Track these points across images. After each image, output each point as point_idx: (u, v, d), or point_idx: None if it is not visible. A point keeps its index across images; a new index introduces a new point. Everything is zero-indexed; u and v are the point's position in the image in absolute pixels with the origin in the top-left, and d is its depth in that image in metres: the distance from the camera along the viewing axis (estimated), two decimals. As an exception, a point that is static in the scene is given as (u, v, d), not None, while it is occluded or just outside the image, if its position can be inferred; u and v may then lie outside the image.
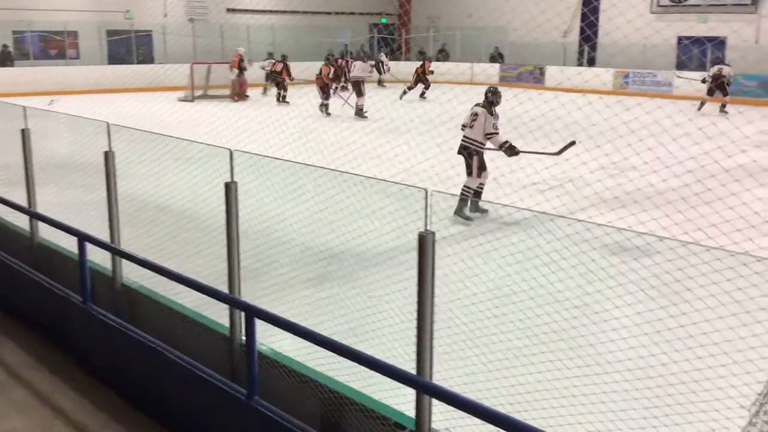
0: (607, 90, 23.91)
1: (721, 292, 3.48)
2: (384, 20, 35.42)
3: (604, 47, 26.89)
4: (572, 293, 4.50)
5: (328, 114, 19.07)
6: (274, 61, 23.54)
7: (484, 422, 2.67)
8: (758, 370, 2.82)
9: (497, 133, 8.62)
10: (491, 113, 8.66)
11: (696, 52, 25.09)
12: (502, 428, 2.54)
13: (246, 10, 30.30)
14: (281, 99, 22.05)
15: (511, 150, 8.63)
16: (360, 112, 18.53)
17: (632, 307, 5.15)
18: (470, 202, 8.65)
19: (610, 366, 4.02)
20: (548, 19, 26.46)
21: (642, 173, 9.24)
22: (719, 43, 24.35)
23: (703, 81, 19.86)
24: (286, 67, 22.22)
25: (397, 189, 4.20)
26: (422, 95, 23.10)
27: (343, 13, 33.02)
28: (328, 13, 32.45)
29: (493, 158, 8.49)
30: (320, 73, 19.53)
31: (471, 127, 8.72)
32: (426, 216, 3.25)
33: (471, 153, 8.66)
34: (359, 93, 18.72)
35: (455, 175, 8.93)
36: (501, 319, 4.70)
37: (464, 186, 8.66)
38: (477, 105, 8.92)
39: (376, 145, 12.77)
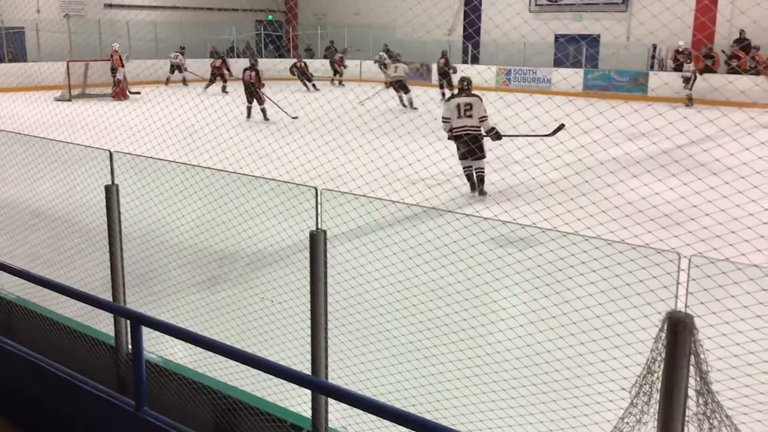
0: (489, 87, 24.62)
1: (600, 280, 3.65)
2: (270, 17, 35.02)
3: (486, 45, 27.68)
4: (462, 286, 4.60)
5: (249, 117, 17.65)
6: (178, 54, 26.90)
7: (380, 418, 2.69)
8: (637, 353, 2.97)
9: (488, 117, 9.71)
10: (481, 99, 9.72)
11: (572, 49, 26.25)
12: (397, 423, 2.56)
13: (125, 6, 29.21)
14: (222, 90, 24.35)
15: (497, 135, 9.69)
16: (410, 104, 20.00)
17: (518, 297, 5.34)
18: (476, 185, 9.82)
19: (500, 355, 4.14)
20: (431, 17, 26.96)
21: (524, 167, 9.57)
22: (593, 40, 25.59)
23: (686, 80, 20.55)
24: (226, 63, 24.93)
25: (287, 188, 4.16)
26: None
27: (227, 10, 32.37)
28: (211, 9, 31.76)
29: (381, 155, 8.57)
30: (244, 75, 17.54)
31: (469, 116, 9.67)
32: (317, 214, 3.24)
33: (477, 138, 9.65)
34: (406, 90, 20.25)
35: (345, 173, 8.95)
36: (395, 314, 4.75)
37: (477, 168, 9.78)
38: (456, 96, 9.98)
39: (265, 144, 12.62)
